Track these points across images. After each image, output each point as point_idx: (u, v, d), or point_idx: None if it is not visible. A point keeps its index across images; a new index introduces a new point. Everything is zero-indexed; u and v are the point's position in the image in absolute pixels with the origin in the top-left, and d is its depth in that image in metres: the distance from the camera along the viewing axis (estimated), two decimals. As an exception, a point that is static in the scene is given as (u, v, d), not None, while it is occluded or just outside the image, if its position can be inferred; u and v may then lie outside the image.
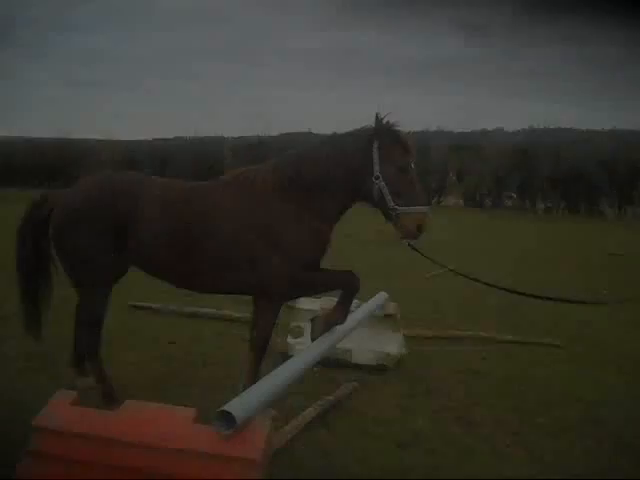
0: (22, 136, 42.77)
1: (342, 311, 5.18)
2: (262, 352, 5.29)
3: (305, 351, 5.15)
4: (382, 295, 6.92)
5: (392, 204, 4.84)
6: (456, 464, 4.78)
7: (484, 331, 8.28)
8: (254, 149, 34.51)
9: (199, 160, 35.98)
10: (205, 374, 6.46)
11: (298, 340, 7.10)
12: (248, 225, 5.01)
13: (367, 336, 6.88)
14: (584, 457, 4.94)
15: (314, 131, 43.50)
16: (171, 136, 43.32)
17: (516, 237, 18.97)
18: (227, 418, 3.34)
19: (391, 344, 6.90)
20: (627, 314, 9.04)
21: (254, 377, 5.00)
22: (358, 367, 6.67)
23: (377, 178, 4.86)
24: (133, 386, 5.98)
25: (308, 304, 7.15)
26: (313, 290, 5.45)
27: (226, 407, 3.39)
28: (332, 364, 6.69)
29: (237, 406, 3.44)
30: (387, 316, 6.86)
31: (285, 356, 6.95)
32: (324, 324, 5.20)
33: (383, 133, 4.93)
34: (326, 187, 5.03)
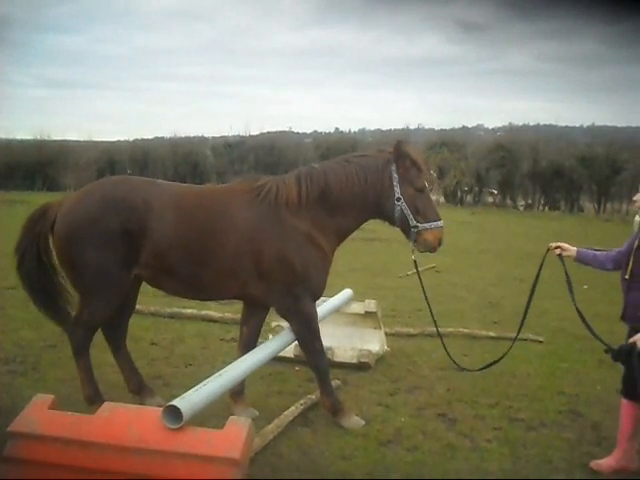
0: (1, 137, 42.38)
1: (329, 396, 5.36)
2: (250, 349, 5.33)
3: (257, 349, 5.21)
4: (347, 292, 6.93)
5: (414, 222, 5.24)
6: (438, 460, 4.79)
7: (465, 328, 8.30)
8: (235, 148, 34.43)
9: (180, 160, 35.91)
10: (187, 374, 6.42)
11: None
12: (260, 240, 5.07)
13: (348, 334, 6.89)
14: (565, 450, 4.96)
15: (294, 130, 43.58)
16: (151, 136, 43.12)
17: (498, 233, 19.08)
18: (175, 413, 3.48)
19: (372, 342, 6.92)
20: (607, 308, 9.11)
21: None
22: (340, 365, 6.66)
23: (399, 200, 5.22)
24: (115, 388, 5.94)
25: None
26: (304, 328, 5.33)
27: (174, 402, 3.53)
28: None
29: (184, 402, 3.60)
30: (368, 314, 6.86)
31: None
32: (343, 414, 5.34)
33: (402, 157, 5.25)
34: (345, 207, 5.27)
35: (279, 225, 5.10)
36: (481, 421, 5.51)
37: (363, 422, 5.33)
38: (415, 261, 5.66)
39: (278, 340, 5.47)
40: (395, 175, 5.23)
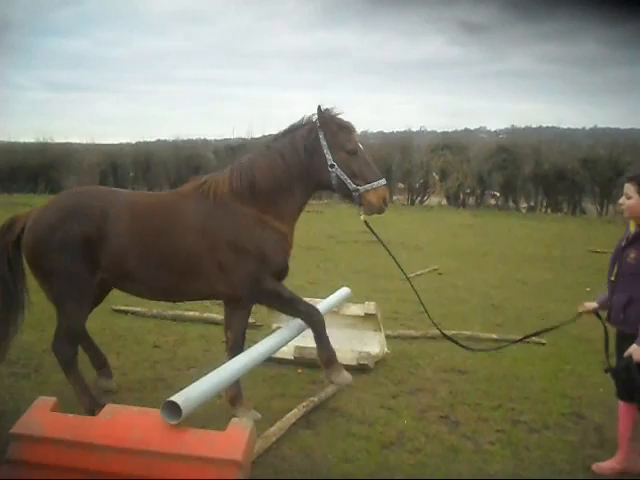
0: (4, 140, 42.41)
1: (325, 349, 5.28)
2: (238, 352, 5.31)
3: (254, 347, 5.20)
4: (344, 290, 6.88)
5: (353, 186, 5.08)
6: (441, 463, 4.79)
7: (468, 330, 8.29)
8: (237, 151, 34.40)
9: (182, 163, 35.90)
10: (190, 377, 6.41)
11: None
12: (212, 234, 5.14)
13: (348, 336, 6.89)
14: (568, 453, 4.96)
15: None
16: (154, 139, 43.15)
17: (500, 236, 19.06)
18: (173, 409, 3.50)
19: (372, 344, 6.91)
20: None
21: None
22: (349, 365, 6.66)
23: (332, 167, 5.10)
24: (118, 390, 5.96)
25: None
26: (278, 302, 5.41)
27: (172, 398, 3.56)
28: (314, 365, 6.69)
29: (182, 398, 3.62)
30: (368, 316, 6.85)
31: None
32: (336, 367, 5.28)
33: (327, 123, 5.14)
34: (284, 187, 5.23)
35: (229, 216, 5.17)
36: (484, 423, 5.50)
37: (351, 378, 5.31)
38: (366, 222, 5.42)
39: (276, 337, 5.46)
40: (324, 142, 5.12)
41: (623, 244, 4.60)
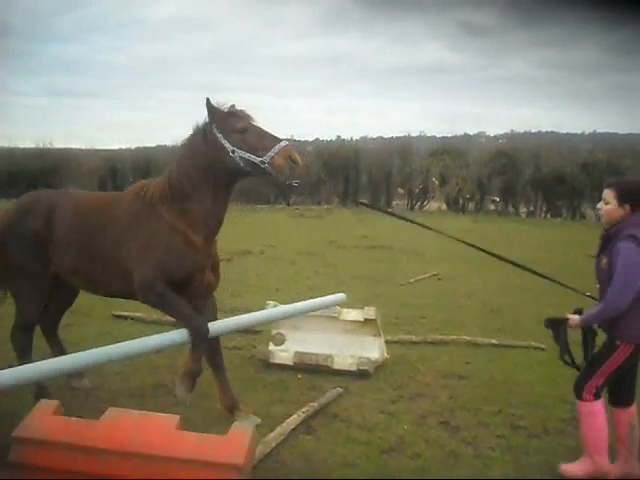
0: (3, 146, 42.41)
1: (195, 360, 5.31)
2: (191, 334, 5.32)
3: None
4: (339, 296, 6.57)
5: (259, 159, 5.06)
6: (441, 468, 4.79)
7: (468, 335, 8.30)
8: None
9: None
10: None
11: (280, 347, 7.09)
12: (131, 235, 5.39)
13: (347, 342, 6.90)
14: (568, 458, 4.96)
15: (296, 138, 43.54)
16: (154, 144, 43.12)
17: (499, 241, 19.01)
18: None
19: (372, 349, 6.91)
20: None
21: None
22: (339, 373, 6.67)
23: (233, 152, 5.13)
24: (119, 395, 5.97)
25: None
26: (166, 310, 5.55)
27: None
28: (314, 370, 6.71)
29: None
30: (367, 321, 6.86)
31: (266, 363, 6.97)
32: (187, 379, 5.32)
33: (215, 114, 5.25)
34: (191, 193, 5.32)
35: (148, 220, 5.37)
36: (484, 429, 5.51)
37: (190, 397, 5.39)
38: (296, 187, 5.41)
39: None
40: (219, 134, 5.20)
41: (598, 251, 4.63)
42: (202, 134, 5.31)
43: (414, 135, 40.10)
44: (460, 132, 45.25)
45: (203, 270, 5.47)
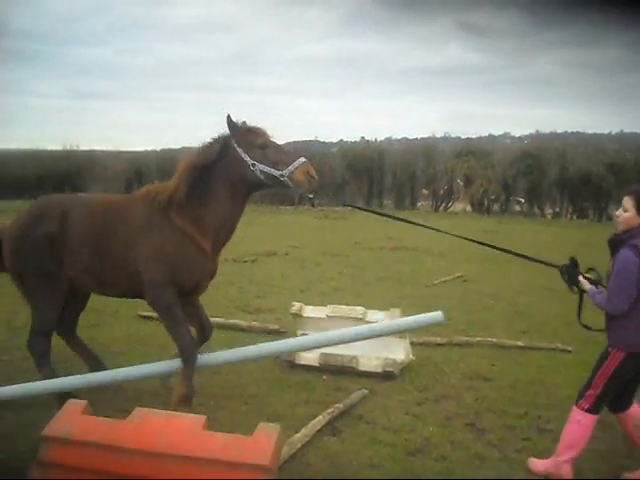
0: (30, 148, 42.86)
1: (186, 383, 5.48)
2: (181, 354, 5.58)
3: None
4: (437, 315, 5.80)
5: (279, 172, 5.42)
6: (467, 471, 4.77)
7: (493, 337, 8.25)
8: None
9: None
10: (215, 383, 6.47)
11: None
12: (142, 238, 5.60)
13: (373, 343, 6.87)
14: (595, 461, 4.91)
15: (320, 139, 43.57)
16: (179, 146, 43.37)
17: (525, 242, 18.88)
18: None
19: (397, 351, 6.88)
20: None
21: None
22: (365, 374, 6.66)
23: (253, 165, 5.46)
24: (144, 395, 6.01)
25: (315, 312, 7.16)
26: (164, 320, 5.75)
27: None
28: (339, 372, 6.71)
29: None
30: None
31: (292, 364, 6.97)
32: (183, 405, 5.35)
33: (235, 130, 5.58)
34: (204, 201, 5.60)
35: (159, 224, 5.60)
36: (510, 431, 5.48)
37: None
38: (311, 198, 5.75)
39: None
40: (239, 148, 5.52)
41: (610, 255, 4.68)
42: (222, 147, 5.61)
43: (439, 136, 39.96)
44: (485, 133, 44.97)
45: (211, 277, 5.85)
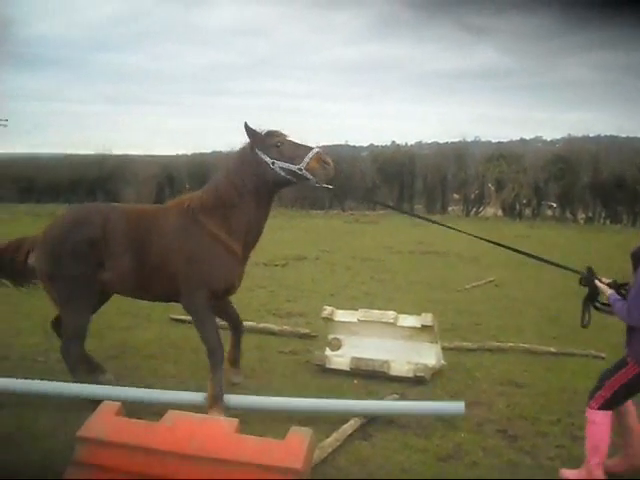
0: (64, 152, 43.43)
1: (215, 383, 5.78)
2: (209, 356, 5.89)
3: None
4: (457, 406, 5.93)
5: (296, 167, 5.73)
6: (499, 478, 4.73)
7: (525, 342, 8.18)
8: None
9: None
10: (246, 387, 6.48)
11: (336, 352, 7.10)
12: (177, 245, 5.88)
13: (404, 348, 6.86)
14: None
15: (350, 143, 43.54)
16: (209, 150, 43.63)
17: (557, 247, 18.70)
18: None
19: (428, 356, 6.85)
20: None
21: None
22: (396, 379, 6.64)
23: (273, 164, 5.79)
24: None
25: (346, 316, 7.15)
26: (196, 321, 6.05)
27: None
28: (370, 376, 6.70)
29: None
30: (424, 327, 6.81)
31: (322, 368, 6.97)
32: (216, 406, 5.66)
33: (254, 135, 5.93)
34: (233, 203, 5.89)
35: (192, 231, 5.90)
36: (543, 438, 5.42)
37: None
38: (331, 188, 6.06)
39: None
40: (258, 151, 5.85)
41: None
42: (245, 153, 5.98)
43: (469, 140, 39.67)
44: (516, 137, 44.53)
45: (241, 278, 6.16)
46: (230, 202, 5.90)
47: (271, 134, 5.96)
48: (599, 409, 4.57)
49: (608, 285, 4.80)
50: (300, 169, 5.72)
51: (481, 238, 6.09)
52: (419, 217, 6.96)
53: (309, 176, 5.74)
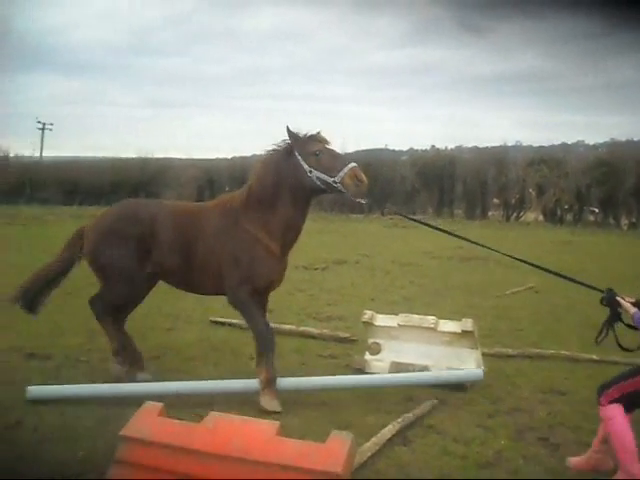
0: (107, 156, 44.15)
1: (266, 366, 6.05)
2: (259, 342, 6.17)
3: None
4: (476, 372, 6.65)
5: (332, 179, 5.85)
6: (540, 486, 4.69)
7: (566, 350, 8.08)
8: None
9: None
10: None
11: (375, 357, 7.09)
12: (219, 243, 6.22)
13: (444, 354, 6.81)
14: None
15: (390, 147, 43.47)
16: (249, 154, 43.95)
17: (599, 254, 18.46)
18: None
19: (469, 361, 6.80)
20: None
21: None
22: (437, 385, 6.60)
23: (310, 172, 5.92)
24: (218, 401, 6.09)
25: (386, 321, 7.13)
26: (243, 314, 6.34)
27: None
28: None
29: None
30: (465, 333, 6.76)
31: (362, 372, 6.96)
32: (269, 389, 6.00)
33: (296, 139, 6.07)
34: (276, 202, 6.11)
35: (233, 230, 6.19)
36: (585, 448, 5.30)
37: (279, 408, 5.90)
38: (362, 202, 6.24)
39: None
40: (299, 156, 5.98)
41: None
42: (284, 155, 6.10)
43: (510, 144, 39.39)
44: (558, 141, 43.96)
45: (280, 275, 6.38)
46: (268, 203, 6.12)
47: (312, 140, 6.06)
48: (609, 403, 4.62)
49: (632, 304, 4.76)
50: (335, 182, 5.84)
51: (482, 245, 6.28)
52: (419, 223, 7.10)
53: (343, 190, 5.88)
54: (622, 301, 4.79)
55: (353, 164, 5.91)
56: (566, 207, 31.32)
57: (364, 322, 7.25)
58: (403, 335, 6.99)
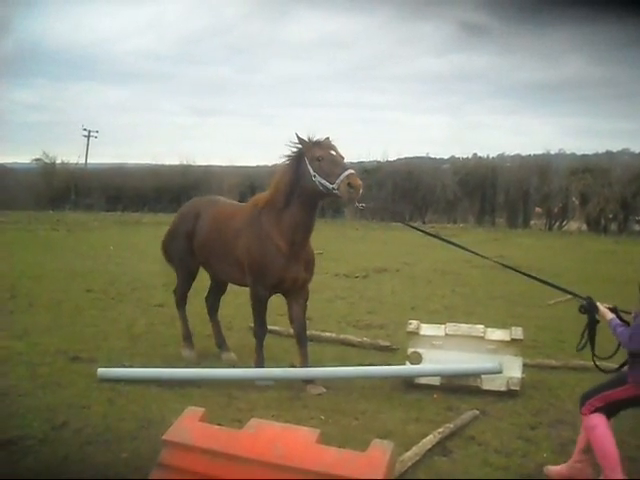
0: (150, 163, 44.76)
1: (256, 354, 7.10)
2: (304, 342, 7.08)
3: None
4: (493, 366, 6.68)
5: (331, 186, 6.15)
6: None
7: (611, 362, 7.91)
8: (372, 174, 34.55)
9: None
10: (326, 398, 6.50)
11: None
12: (244, 239, 6.83)
13: (489, 361, 6.71)
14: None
15: (432, 155, 43.22)
16: (290, 161, 44.15)
17: (644, 264, 18.11)
18: None
19: (514, 369, 6.70)
20: None
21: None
22: (479, 393, 6.53)
23: (314, 177, 6.26)
24: (256, 406, 6.12)
25: (429, 330, 7.03)
26: (253, 307, 7.02)
27: None
28: (460, 390, 6.59)
29: None
30: (513, 341, 6.67)
31: (408, 383, 6.89)
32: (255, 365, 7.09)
33: (304, 144, 6.47)
34: (288, 203, 6.55)
35: (255, 227, 6.75)
36: (631, 463, 5.19)
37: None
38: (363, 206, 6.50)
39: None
40: (307, 160, 6.34)
41: None
42: (297, 159, 6.48)
43: (553, 153, 38.86)
44: (602, 149, 43.19)
45: (291, 272, 6.68)
46: (282, 204, 6.57)
47: (317, 145, 6.40)
48: (591, 412, 4.62)
49: (610, 310, 4.85)
50: (334, 188, 6.13)
51: (483, 256, 6.70)
52: (418, 229, 7.33)
53: (342, 195, 6.15)
54: (601, 306, 4.88)
55: (350, 171, 6.14)
56: (610, 216, 30.82)
57: (409, 332, 7.05)
58: (446, 344, 6.90)
